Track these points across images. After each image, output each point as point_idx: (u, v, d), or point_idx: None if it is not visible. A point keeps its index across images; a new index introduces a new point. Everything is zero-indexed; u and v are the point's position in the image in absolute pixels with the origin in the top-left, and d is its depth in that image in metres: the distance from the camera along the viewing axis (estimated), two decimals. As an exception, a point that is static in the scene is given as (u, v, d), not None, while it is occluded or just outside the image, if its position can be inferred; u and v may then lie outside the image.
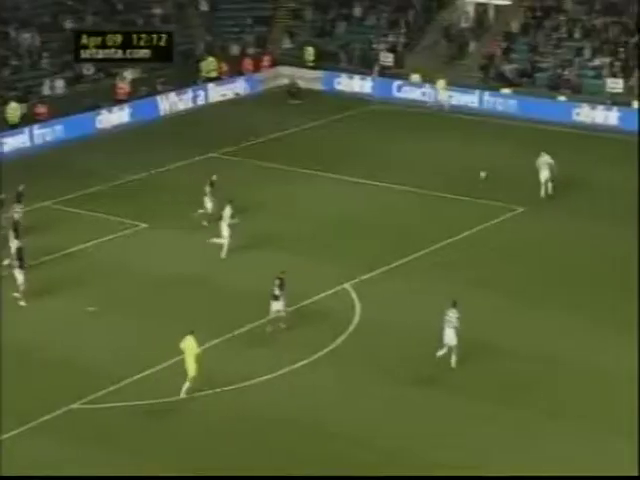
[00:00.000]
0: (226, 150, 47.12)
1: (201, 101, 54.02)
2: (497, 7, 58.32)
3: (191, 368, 27.54)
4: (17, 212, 36.66)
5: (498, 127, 50.08)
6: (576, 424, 26.43)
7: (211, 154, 46.71)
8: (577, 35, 54.80)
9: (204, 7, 60.95)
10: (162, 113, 52.18)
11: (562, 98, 52.08)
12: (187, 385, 27.55)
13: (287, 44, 60.05)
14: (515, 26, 56.64)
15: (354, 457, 25.24)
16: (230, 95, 55.20)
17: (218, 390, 27.92)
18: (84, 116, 49.65)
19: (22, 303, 32.52)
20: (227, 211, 35.91)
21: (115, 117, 50.69)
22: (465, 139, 48.14)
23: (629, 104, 50.38)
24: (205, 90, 54.44)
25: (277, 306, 30.61)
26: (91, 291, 33.59)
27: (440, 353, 28.99)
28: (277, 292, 30.55)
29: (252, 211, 40.07)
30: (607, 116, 50.08)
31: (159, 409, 27.37)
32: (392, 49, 57.36)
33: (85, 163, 45.39)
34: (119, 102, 51.59)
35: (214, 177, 38.83)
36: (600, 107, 50.28)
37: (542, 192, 40.70)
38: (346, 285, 33.71)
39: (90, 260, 36.05)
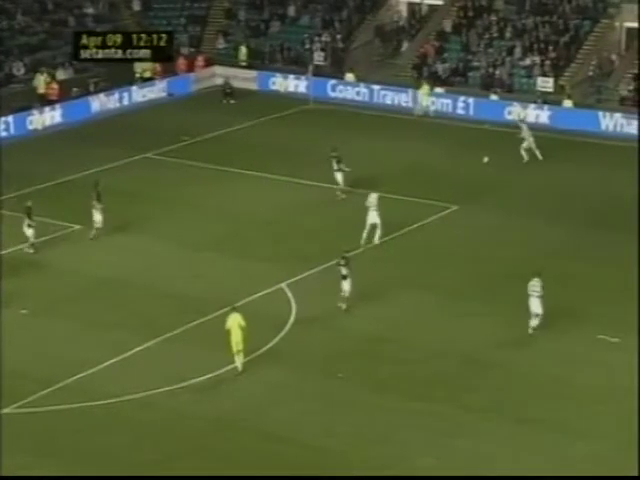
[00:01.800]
0: (161, 150, 46.89)
1: (135, 101, 53.67)
2: (430, 7, 58.80)
3: (240, 340, 27.99)
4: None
5: (431, 126, 50.49)
6: (503, 421, 26.77)
7: (146, 154, 46.46)
8: (508, 34, 55.44)
9: (137, 7, 60.59)
10: (95, 114, 51.75)
11: (494, 97, 52.65)
12: (241, 358, 28.21)
13: (221, 44, 59.94)
14: (448, 25, 57.15)
15: (290, 457, 25.26)
16: (164, 95, 54.94)
17: (152, 392, 27.78)
18: (15, 117, 49.07)
19: None
20: (372, 199, 36.52)
21: (47, 118, 50.18)
22: (399, 138, 48.43)
23: (559, 103, 51.10)
24: (139, 90, 54.11)
25: (347, 285, 31.47)
26: (24, 293, 33.19)
27: (532, 324, 30.14)
28: (344, 271, 31.29)
29: (186, 212, 39.98)
30: (538, 115, 50.72)
31: (92, 412, 27.14)
32: (326, 48, 57.54)
33: (17, 164, 44.84)
34: (50, 103, 51.05)
35: (335, 152, 40.75)
36: (531, 106, 50.90)
37: (539, 155, 44.50)
38: (282, 285, 33.75)
39: (23, 262, 35.63)
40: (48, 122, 50.05)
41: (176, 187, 42.50)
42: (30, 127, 49.45)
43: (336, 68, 56.53)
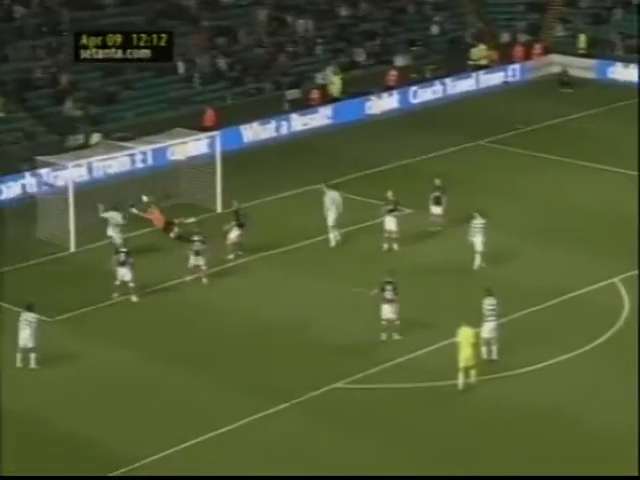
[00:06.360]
0: (494, 138, 46.74)
1: (470, 87, 53.82)
2: None
3: (470, 357, 27.42)
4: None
5: None
6: None
7: (479, 141, 46.48)
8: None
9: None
10: (434, 100, 52.32)
11: None
12: (474, 372, 27.57)
13: (560, 31, 58.81)
14: None
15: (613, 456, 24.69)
16: (499, 83, 54.78)
17: (472, 379, 27.76)
18: (353, 102, 50.64)
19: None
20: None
21: (384, 103, 51.38)
22: None
23: None
24: (474, 77, 54.22)
25: None
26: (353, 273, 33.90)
27: None
28: None
29: (520, 201, 39.63)
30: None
31: (413, 394, 27.58)
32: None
33: (353, 149, 46.20)
34: (389, 88, 52.22)
35: None
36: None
37: None
38: (615, 280, 32.75)
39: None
40: (386, 107, 51.27)
41: (508, 175, 42.22)
42: (368, 112, 50.86)
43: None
